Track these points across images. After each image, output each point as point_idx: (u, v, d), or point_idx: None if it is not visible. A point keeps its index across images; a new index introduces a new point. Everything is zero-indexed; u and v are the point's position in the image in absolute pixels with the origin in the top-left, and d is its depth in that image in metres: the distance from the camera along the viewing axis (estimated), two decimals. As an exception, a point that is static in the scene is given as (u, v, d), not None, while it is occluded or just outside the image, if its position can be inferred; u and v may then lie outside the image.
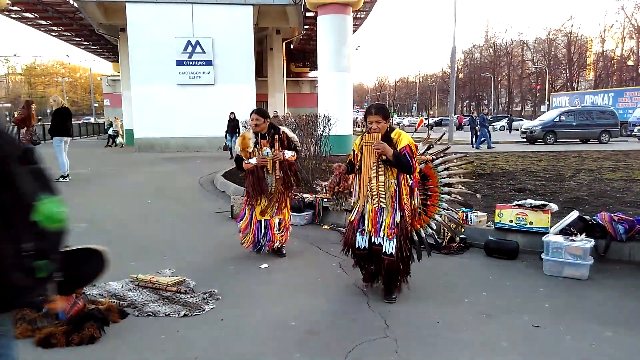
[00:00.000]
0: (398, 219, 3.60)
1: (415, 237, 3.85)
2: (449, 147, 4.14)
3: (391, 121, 3.74)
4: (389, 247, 3.63)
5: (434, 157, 3.97)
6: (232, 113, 15.47)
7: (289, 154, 4.78)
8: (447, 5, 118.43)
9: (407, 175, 3.60)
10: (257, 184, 4.76)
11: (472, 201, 5.32)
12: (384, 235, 3.64)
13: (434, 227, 3.93)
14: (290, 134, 4.95)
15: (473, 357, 2.88)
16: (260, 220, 4.83)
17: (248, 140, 4.77)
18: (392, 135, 3.60)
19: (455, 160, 3.99)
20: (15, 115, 10.53)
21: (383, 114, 3.60)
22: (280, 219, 4.90)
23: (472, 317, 3.42)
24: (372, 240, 3.73)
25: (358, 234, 3.79)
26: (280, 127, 4.98)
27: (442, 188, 3.92)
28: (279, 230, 4.89)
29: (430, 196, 3.93)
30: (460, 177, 4.04)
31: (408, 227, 3.65)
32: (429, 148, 4.07)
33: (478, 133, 19.72)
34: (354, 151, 3.81)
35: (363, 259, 3.86)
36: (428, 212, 3.90)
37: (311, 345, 3.01)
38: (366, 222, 3.73)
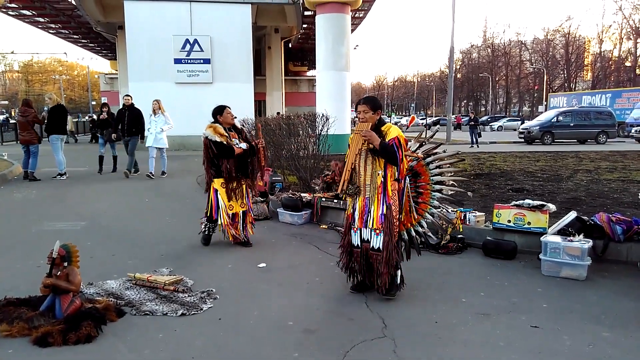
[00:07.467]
0: (385, 211, 3.61)
1: (405, 236, 3.84)
2: (441, 145, 4.13)
3: (385, 116, 3.77)
4: (377, 242, 3.64)
5: (426, 154, 3.96)
6: (104, 105, 12.54)
7: (244, 146, 5.22)
8: (445, 5, 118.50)
9: (395, 169, 3.60)
10: (241, 167, 5.23)
11: (464, 199, 5.30)
12: (371, 230, 3.65)
13: (425, 225, 3.89)
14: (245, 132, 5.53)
15: (471, 356, 2.87)
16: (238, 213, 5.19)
17: (221, 129, 5.17)
18: (383, 128, 3.65)
19: (446, 159, 3.98)
20: (19, 117, 10.40)
21: (371, 104, 3.67)
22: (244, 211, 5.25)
23: (470, 317, 3.42)
24: (362, 237, 3.72)
25: (352, 231, 3.78)
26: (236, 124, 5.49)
27: (433, 186, 3.91)
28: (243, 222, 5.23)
29: (421, 193, 3.92)
30: (451, 175, 4.00)
31: (395, 221, 3.64)
32: (421, 145, 4.07)
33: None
34: (349, 146, 3.79)
35: (357, 259, 3.78)
36: (419, 210, 3.89)
37: (309, 345, 3.00)
38: (356, 212, 3.73)
